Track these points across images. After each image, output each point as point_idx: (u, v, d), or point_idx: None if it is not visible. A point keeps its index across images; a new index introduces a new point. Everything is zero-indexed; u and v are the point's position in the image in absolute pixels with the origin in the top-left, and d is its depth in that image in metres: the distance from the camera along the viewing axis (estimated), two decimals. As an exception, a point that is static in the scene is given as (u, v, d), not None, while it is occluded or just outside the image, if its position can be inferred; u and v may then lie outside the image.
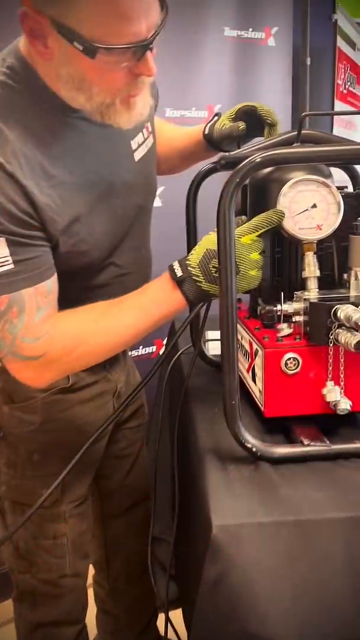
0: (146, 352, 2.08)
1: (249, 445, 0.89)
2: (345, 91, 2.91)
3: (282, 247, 1.05)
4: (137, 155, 1.13)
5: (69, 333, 0.98)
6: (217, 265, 0.91)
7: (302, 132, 0.99)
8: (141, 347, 2.05)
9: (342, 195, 1.02)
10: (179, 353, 1.44)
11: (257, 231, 0.93)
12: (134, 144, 1.13)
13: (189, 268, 0.95)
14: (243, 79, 2.27)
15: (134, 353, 2.03)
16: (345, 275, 0.99)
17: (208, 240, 0.96)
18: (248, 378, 1.08)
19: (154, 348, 2.10)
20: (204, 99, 2.15)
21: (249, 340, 1.06)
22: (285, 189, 0.95)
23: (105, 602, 1.50)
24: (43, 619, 1.23)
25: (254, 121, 1.17)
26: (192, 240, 1.23)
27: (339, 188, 1.06)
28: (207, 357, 1.32)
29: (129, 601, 1.46)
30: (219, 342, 1.35)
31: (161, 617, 1.47)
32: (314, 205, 0.96)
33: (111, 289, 1.04)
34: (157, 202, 2.18)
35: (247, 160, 0.81)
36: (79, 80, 0.91)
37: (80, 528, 1.20)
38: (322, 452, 0.90)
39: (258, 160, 0.80)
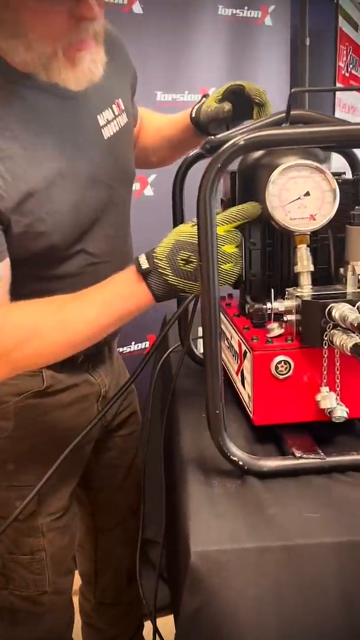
0: (138, 348, 2.00)
1: (234, 459, 0.81)
2: (347, 74, 2.80)
3: (273, 239, 0.96)
4: (106, 133, 1.06)
5: (21, 325, 0.89)
6: (185, 258, 0.85)
7: (295, 112, 0.90)
8: (133, 342, 1.96)
9: (338, 182, 0.94)
10: (169, 351, 1.36)
11: (232, 223, 0.84)
12: (101, 119, 1.05)
13: (155, 260, 0.87)
14: (238, 60, 2.16)
15: (126, 349, 1.95)
16: (342, 270, 0.90)
17: (177, 231, 0.88)
18: (238, 381, 1.00)
19: (146, 344, 2.01)
20: (197, 82, 2.04)
21: (238, 340, 0.97)
22: (274, 175, 0.86)
23: (90, 616, 1.42)
24: (23, 638, 1.16)
25: (243, 102, 1.08)
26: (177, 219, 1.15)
27: (335, 174, 0.98)
28: (197, 356, 1.24)
29: (115, 614, 1.39)
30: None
31: (149, 626, 1.41)
32: (307, 193, 0.87)
33: (83, 280, 0.95)
34: (148, 192, 2.11)
35: (229, 143, 0.72)
36: (14, 25, 0.84)
37: (60, 542, 1.13)
38: (315, 465, 0.82)
39: (241, 143, 0.72)
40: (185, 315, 1.18)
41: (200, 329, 1.32)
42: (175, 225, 1.15)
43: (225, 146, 0.72)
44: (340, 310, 0.80)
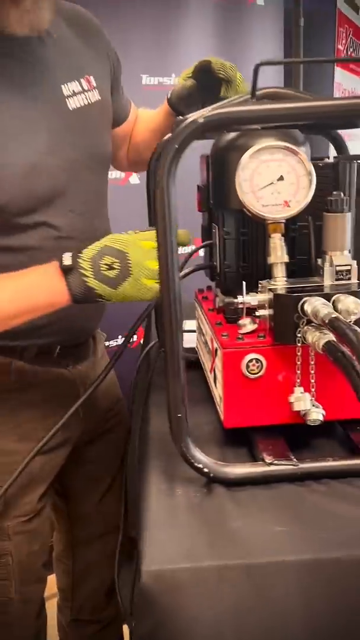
0: (112, 345, 1.90)
1: (199, 466, 0.74)
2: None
3: (248, 228, 0.90)
4: (72, 104, 1.02)
5: None
6: (109, 263, 0.84)
7: (266, 90, 0.83)
8: (120, 336, 1.90)
9: (318, 166, 0.87)
10: (149, 347, 1.30)
11: None
12: (65, 90, 1.02)
13: (78, 259, 0.85)
14: (228, 42, 2.06)
15: (112, 343, 1.88)
16: (319, 261, 0.84)
17: (111, 237, 0.88)
18: (211, 380, 0.94)
19: (134, 337, 1.93)
20: (184, 64, 1.93)
21: (211, 337, 0.91)
22: (245, 158, 0.80)
23: (66, 633, 1.36)
24: None
25: (213, 79, 1.01)
26: (152, 218, 1.09)
27: (316, 158, 0.91)
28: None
29: (92, 633, 1.33)
30: (193, 334, 1.23)
31: None
32: (281, 178, 0.80)
33: (46, 254, 0.91)
34: (134, 179, 2.04)
35: (187, 122, 0.65)
36: None
37: (29, 548, 1.07)
38: (287, 472, 0.76)
39: (200, 121, 0.65)
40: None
41: (185, 322, 1.26)
42: (149, 214, 1.09)
43: (181, 125, 0.66)
44: (313, 304, 0.73)
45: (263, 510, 0.70)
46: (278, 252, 0.82)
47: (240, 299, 0.83)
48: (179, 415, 0.73)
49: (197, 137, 0.69)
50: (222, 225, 0.91)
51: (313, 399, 0.78)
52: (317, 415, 0.78)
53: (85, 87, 1.06)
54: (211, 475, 0.75)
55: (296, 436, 0.83)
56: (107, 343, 1.74)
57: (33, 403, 1.08)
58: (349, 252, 0.81)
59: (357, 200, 0.86)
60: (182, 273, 1.01)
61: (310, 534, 0.65)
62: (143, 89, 1.87)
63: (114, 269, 0.84)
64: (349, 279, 0.80)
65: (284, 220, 0.82)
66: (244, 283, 0.83)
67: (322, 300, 0.74)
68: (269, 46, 2.25)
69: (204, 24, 2.05)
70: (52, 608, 1.39)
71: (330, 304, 0.75)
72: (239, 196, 0.80)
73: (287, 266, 0.87)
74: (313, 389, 0.79)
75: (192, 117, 0.66)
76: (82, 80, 1.06)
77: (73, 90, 1.04)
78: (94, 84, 1.08)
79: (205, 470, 0.75)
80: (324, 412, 0.78)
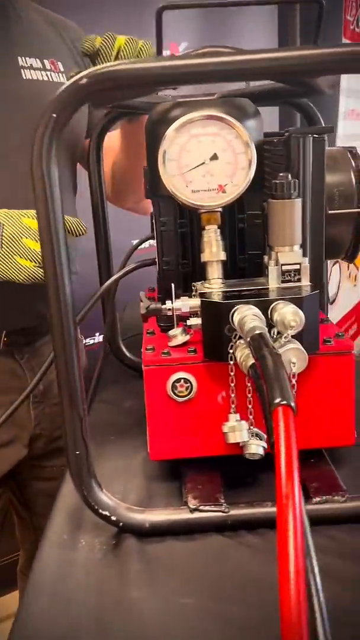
0: (89, 343, 1.75)
1: (105, 513, 0.61)
2: (357, 29, 2.50)
3: (186, 218, 0.75)
4: (27, 74, 0.98)
5: None
6: None
7: (201, 50, 0.68)
8: (98, 334, 1.75)
9: (269, 143, 0.72)
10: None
11: None
12: (21, 61, 0.99)
13: None
14: (214, 10, 1.89)
15: (89, 341, 1.75)
16: (265, 259, 0.69)
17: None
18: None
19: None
20: (167, 38, 1.78)
21: (144, 347, 0.77)
22: (170, 132, 0.65)
23: None
24: None
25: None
26: (96, 202, 0.95)
27: (274, 134, 0.76)
28: (127, 358, 1.04)
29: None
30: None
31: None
32: (214, 157, 0.65)
33: None
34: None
35: (66, 85, 0.51)
36: None
37: None
38: (213, 521, 0.62)
39: (83, 82, 0.50)
40: (110, 305, 0.98)
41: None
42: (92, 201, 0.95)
43: (60, 90, 0.51)
44: (242, 315, 0.59)
45: (174, 573, 0.56)
46: (213, 247, 0.68)
47: (168, 304, 0.68)
48: (78, 452, 0.59)
49: (97, 104, 0.55)
50: (159, 215, 0.76)
51: (252, 427, 0.64)
52: (256, 448, 0.63)
53: (49, 67, 1.00)
54: (120, 524, 0.61)
55: (237, 470, 0.69)
56: (84, 341, 1.61)
57: None
58: (300, 248, 0.66)
59: (315, 185, 0.71)
60: (124, 270, 0.87)
61: (221, 610, 0.51)
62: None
63: None
64: (298, 280, 0.65)
65: (219, 209, 0.67)
66: (172, 286, 0.69)
67: (254, 309, 0.59)
68: (262, 14, 2.06)
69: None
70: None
71: (268, 314, 0.60)
72: (163, 180, 0.66)
73: (232, 265, 0.73)
74: (251, 416, 0.64)
75: (74, 78, 0.52)
76: (45, 60, 1.01)
77: (30, 64, 0.99)
78: (61, 69, 1.02)
79: (113, 518, 0.61)
80: (265, 444, 0.63)
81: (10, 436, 1.04)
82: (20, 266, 0.77)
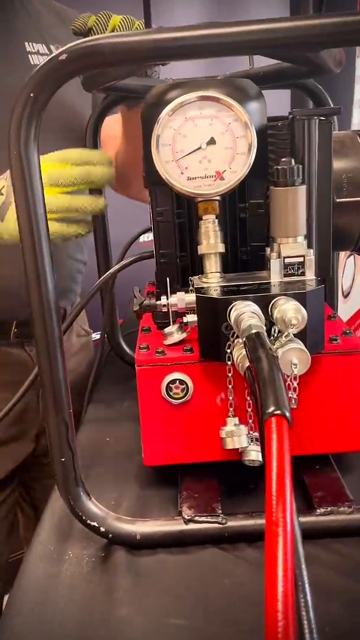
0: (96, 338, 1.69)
1: (92, 524, 0.57)
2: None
3: (184, 208, 0.71)
4: (35, 60, 1.00)
5: None
6: None
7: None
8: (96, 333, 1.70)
9: (274, 127, 0.68)
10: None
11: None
12: (29, 46, 1.00)
13: None
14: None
15: (96, 336, 1.70)
16: (267, 251, 0.64)
17: None
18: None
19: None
20: (172, 19, 1.72)
21: (140, 345, 0.73)
22: (164, 115, 0.60)
23: None
24: None
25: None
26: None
27: (280, 118, 0.71)
28: (127, 355, 1.00)
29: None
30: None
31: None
32: (212, 141, 0.61)
33: None
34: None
35: (44, 61, 0.46)
36: None
37: None
38: (209, 533, 0.57)
39: (62, 58, 0.46)
40: (110, 299, 0.94)
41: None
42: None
43: (37, 67, 0.47)
44: (239, 311, 0.54)
45: (165, 590, 0.52)
46: (210, 239, 0.63)
47: (163, 300, 0.64)
48: (63, 459, 0.55)
49: (88, 86, 0.50)
50: (155, 205, 0.72)
51: (252, 432, 0.60)
52: (256, 455, 0.59)
53: (54, 51, 0.94)
54: (110, 536, 0.57)
55: (236, 477, 0.64)
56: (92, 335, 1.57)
57: None
58: (304, 239, 0.61)
59: (321, 171, 0.66)
60: (122, 263, 0.83)
61: (215, 633, 0.47)
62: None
63: (1, 194, 0.71)
64: (302, 274, 0.61)
65: (217, 198, 0.63)
66: (167, 280, 0.65)
67: (253, 306, 0.54)
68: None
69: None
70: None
71: (269, 310, 0.56)
72: (156, 166, 0.61)
73: (233, 257, 0.69)
74: (251, 420, 0.60)
75: (54, 53, 0.47)
76: (51, 46, 1.02)
77: (37, 50, 1.00)
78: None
79: (102, 529, 0.57)
80: (265, 450, 0.59)
81: (17, 431, 1.03)
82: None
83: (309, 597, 0.31)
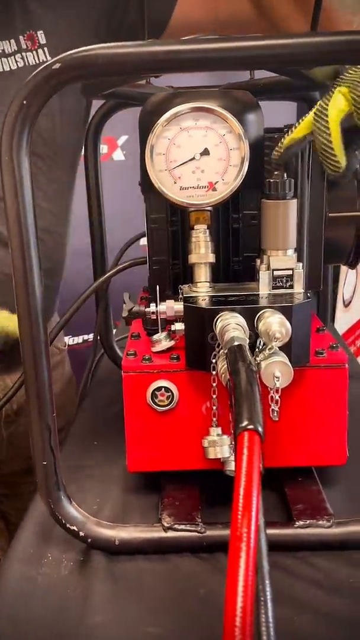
0: (81, 340, 1.67)
1: (72, 528, 0.57)
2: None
3: (177, 216, 0.71)
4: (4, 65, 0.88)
5: None
6: None
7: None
8: (82, 336, 1.65)
9: (270, 139, 0.68)
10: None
11: None
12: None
13: None
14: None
15: (70, 341, 1.67)
16: (258, 262, 0.64)
17: None
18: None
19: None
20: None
21: (130, 350, 0.73)
22: (159, 126, 0.61)
23: None
24: None
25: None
26: (92, 197, 0.91)
27: (276, 130, 0.71)
28: (121, 359, 1.00)
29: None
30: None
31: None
32: (205, 152, 0.61)
33: None
34: (118, 156, 1.85)
35: (37, 70, 0.47)
36: None
37: None
38: (187, 541, 0.58)
39: (55, 67, 0.46)
40: (104, 303, 0.95)
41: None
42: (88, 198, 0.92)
43: (32, 75, 0.47)
44: (224, 323, 0.54)
45: (141, 597, 0.53)
46: (201, 249, 0.63)
47: (152, 307, 0.64)
48: (45, 463, 0.55)
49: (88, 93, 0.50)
50: (150, 211, 0.72)
51: (233, 442, 0.60)
52: (238, 465, 0.59)
53: (24, 46, 0.89)
54: (89, 540, 0.58)
55: (218, 486, 0.65)
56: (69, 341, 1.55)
57: None
58: (294, 252, 0.61)
59: (314, 184, 0.66)
60: (116, 269, 0.83)
61: (193, 636, 0.47)
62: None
63: None
64: (291, 287, 0.61)
65: (209, 208, 0.63)
66: (157, 287, 0.65)
67: (238, 318, 0.55)
68: None
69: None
70: None
71: (254, 323, 0.56)
72: (150, 175, 0.62)
73: (225, 267, 0.69)
74: (233, 430, 0.60)
75: (47, 62, 0.48)
76: (20, 38, 0.88)
77: (3, 50, 0.87)
78: (40, 42, 0.90)
79: (82, 534, 0.57)
80: (247, 461, 0.59)
81: None
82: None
83: (270, 613, 0.31)
